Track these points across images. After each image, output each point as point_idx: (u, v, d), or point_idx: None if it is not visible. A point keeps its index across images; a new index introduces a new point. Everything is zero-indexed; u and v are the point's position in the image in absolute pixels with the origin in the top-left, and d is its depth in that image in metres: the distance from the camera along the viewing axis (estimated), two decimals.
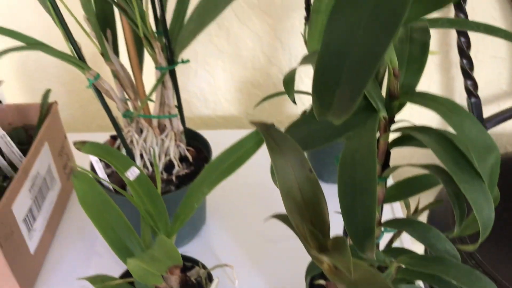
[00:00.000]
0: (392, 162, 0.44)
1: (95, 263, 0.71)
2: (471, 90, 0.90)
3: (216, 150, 0.72)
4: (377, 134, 0.42)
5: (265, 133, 0.29)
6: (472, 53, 0.89)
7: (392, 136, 0.43)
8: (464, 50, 0.88)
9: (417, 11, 0.33)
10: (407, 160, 1.06)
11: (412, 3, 0.32)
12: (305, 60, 0.42)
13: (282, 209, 0.81)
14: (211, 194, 0.78)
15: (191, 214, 0.49)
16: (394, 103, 0.39)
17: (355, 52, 0.29)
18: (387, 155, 0.43)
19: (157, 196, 0.51)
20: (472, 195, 0.36)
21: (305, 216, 0.29)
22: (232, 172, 0.49)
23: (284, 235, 0.73)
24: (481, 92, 0.92)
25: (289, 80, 0.44)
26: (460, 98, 0.99)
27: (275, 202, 0.80)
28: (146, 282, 0.48)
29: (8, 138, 0.70)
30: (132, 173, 0.51)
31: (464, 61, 0.88)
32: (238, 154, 0.49)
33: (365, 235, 0.34)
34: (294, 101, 0.46)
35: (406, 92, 0.39)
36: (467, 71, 0.89)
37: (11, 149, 0.71)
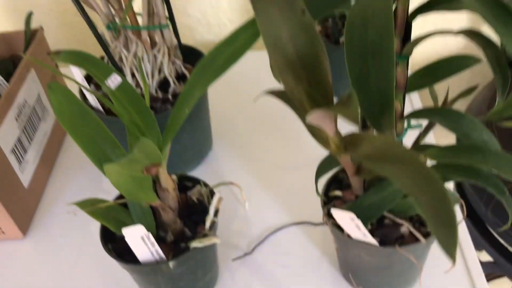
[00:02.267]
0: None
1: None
2: None
3: None
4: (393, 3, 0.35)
5: None
6: None
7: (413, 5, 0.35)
8: None
9: None
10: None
11: None
12: None
13: (295, 136, 0.72)
14: (216, 118, 0.72)
15: (182, 122, 0.43)
16: None
17: None
18: (408, 26, 0.35)
19: (144, 107, 0.45)
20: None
21: (300, 75, 0.22)
22: (226, 69, 0.42)
23: (295, 164, 0.66)
24: None
25: None
26: None
27: (285, 126, 0.73)
28: (136, 199, 0.42)
29: None
30: (113, 81, 0.45)
31: None
32: (233, 48, 0.42)
33: (382, 108, 0.27)
34: None
35: None
36: None
37: None
